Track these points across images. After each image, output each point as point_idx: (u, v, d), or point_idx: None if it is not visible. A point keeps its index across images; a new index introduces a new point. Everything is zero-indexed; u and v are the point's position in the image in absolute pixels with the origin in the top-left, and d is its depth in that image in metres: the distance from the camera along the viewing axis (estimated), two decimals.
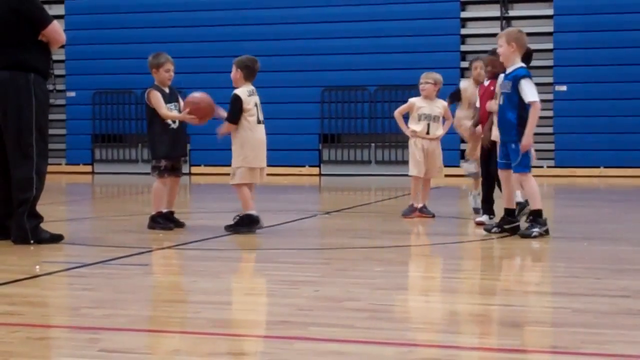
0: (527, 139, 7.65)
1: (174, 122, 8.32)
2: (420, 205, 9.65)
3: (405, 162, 20.17)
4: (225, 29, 21.24)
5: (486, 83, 9.14)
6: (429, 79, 9.73)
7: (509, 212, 7.98)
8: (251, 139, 8.02)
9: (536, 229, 7.67)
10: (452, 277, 6.03)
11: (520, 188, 8.43)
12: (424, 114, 9.69)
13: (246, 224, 7.97)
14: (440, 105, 9.72)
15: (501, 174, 8.08)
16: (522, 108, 7.70)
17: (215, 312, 4.57)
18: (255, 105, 8.09)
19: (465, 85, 10.11)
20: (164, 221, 8.29)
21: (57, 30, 7.38)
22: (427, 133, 9.67)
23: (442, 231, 8.60)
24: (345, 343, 3.81)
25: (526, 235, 7.65)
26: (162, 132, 8.31)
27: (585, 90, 19.56)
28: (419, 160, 9.67)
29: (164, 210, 8.36)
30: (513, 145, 7.73)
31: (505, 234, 7.84)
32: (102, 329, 4.10)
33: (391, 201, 13.10)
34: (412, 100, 9.91)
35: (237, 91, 8.06)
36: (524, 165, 7.77)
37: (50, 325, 4.33)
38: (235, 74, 8.14)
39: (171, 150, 8.37)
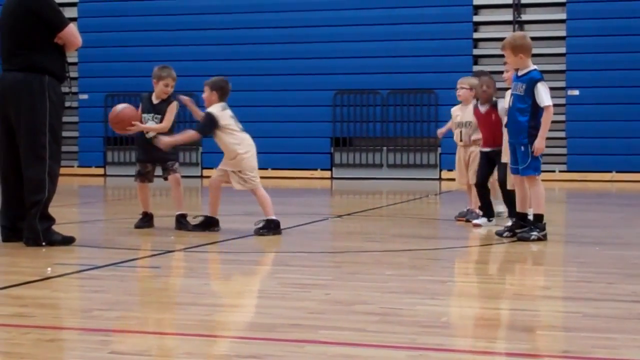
0: (541, 143, 7.63)
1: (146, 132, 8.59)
2: (465, 210, 9.60)
3: (416, 166, 20.38)
4: (237, 32, 21.28)
5: (482, 109, 9.01)
6: (464, 84, 9.56)
7: (521, 217, 7.96)
8: (243, 149, 8.14)
9: (535, 233, 7.70)
10: (463, 281, 6.03)
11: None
12: (458, 121, 9.57)
13: (271, 228, 8.06)
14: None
15: (514, 179, 8.07)
16: (535, 110, 7.67)
17: (226, 314, 4.58)
18: (231, 117, 8.21)
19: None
20: (140, 220, 8.73)
21: (73, 33, 7.39)
22: (461, 140, 9.54)
23: (454, 235, 8.59)
24: (356, 346, 3.81)
25: (525, 239, 7.68)
26: (140, 138, 8.67)
27: (597, 95, 19.52)
28: (460, 169, 9.58)
29: (148, 211, 8.75)
30: (522, 148, 7.71)
31: (515, 238, 7.83)
32: (113, 331, 4.11)
33: (403, 205, 13.09)
34: (452, 110, 9.82)
35: (210, 109, 8.18)
36: (534, 168, 7.75)
37: (62, 327, 4.34)
38: (210, 95, 8.24)
39: (141, 155, 8.80)
